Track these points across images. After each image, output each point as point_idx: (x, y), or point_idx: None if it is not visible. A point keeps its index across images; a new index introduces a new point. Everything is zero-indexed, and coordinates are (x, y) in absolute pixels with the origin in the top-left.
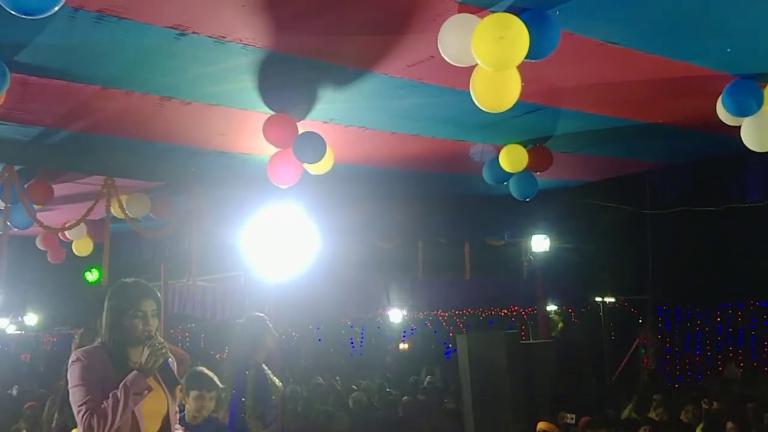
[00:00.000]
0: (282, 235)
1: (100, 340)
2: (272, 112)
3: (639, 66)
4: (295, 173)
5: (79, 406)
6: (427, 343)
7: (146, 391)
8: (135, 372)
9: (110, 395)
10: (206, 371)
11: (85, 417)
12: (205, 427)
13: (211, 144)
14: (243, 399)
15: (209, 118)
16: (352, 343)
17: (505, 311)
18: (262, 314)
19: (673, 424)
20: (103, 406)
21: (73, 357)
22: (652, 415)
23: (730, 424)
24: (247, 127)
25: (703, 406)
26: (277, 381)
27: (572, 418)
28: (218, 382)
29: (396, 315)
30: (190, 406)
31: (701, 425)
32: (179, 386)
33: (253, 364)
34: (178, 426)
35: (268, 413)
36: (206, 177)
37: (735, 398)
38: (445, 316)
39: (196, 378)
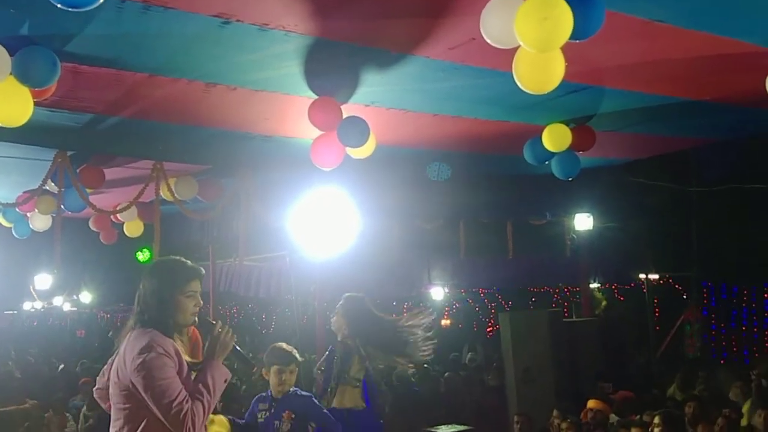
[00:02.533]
0: (325, 216)
1: (138, 321)
2: (315, 97)
3: (685, 43)
4: (338, 156)
5: (175, 401)
6: (468, 321)
7: (228, 378)
8: (212, 359)
9: (199, 385)
10: (285, 346)
11: (186, 412)
12: (291, 400)
13: (256, 128)
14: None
15: (254, 104)
16: None
17: (547, 288)
18: (358, 294)
19: (719, 401)
20: (204, 397)
21: (146, 350)
22: (697, 392)
23: None
24: (291, 112)
25: (752, 378)
26: None
27: (609, 387)
28: (297, 356)
29: (437, 293)
30: (272, 380)
31: (749, 401)
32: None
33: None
34: None
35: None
36: (252, 160)
37: None
38: (487, 293)
39: (274, 353)
